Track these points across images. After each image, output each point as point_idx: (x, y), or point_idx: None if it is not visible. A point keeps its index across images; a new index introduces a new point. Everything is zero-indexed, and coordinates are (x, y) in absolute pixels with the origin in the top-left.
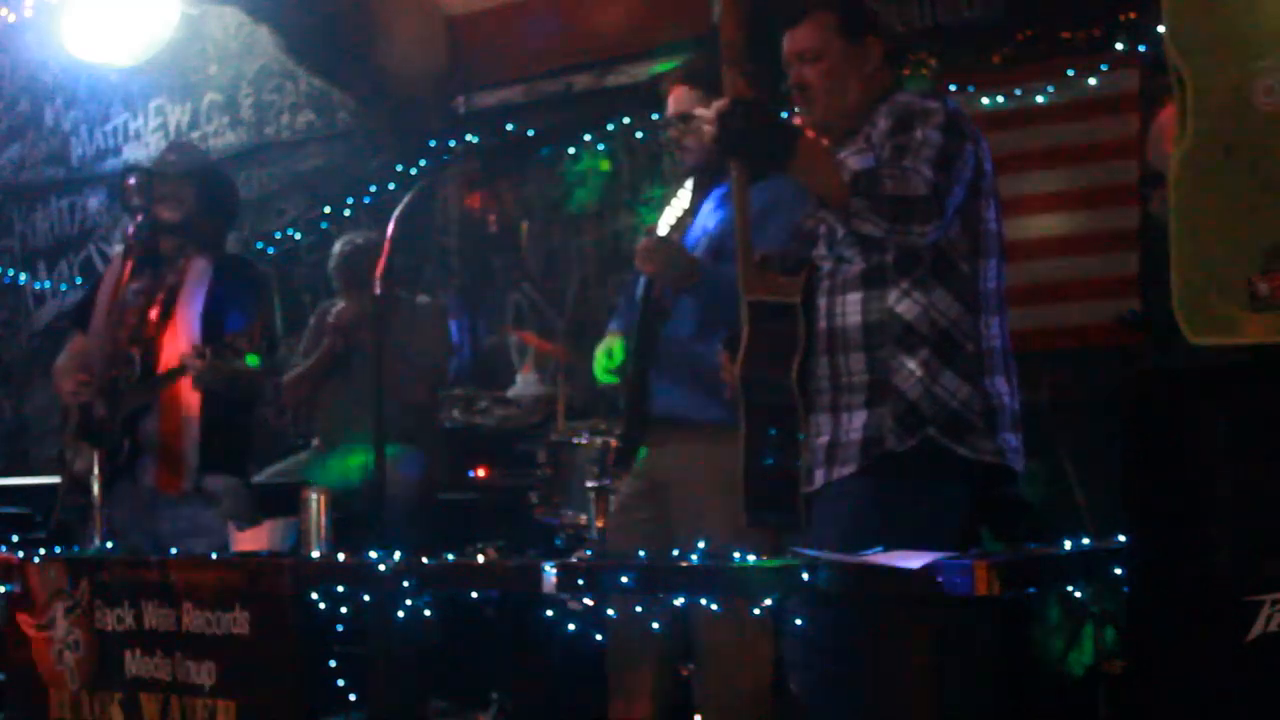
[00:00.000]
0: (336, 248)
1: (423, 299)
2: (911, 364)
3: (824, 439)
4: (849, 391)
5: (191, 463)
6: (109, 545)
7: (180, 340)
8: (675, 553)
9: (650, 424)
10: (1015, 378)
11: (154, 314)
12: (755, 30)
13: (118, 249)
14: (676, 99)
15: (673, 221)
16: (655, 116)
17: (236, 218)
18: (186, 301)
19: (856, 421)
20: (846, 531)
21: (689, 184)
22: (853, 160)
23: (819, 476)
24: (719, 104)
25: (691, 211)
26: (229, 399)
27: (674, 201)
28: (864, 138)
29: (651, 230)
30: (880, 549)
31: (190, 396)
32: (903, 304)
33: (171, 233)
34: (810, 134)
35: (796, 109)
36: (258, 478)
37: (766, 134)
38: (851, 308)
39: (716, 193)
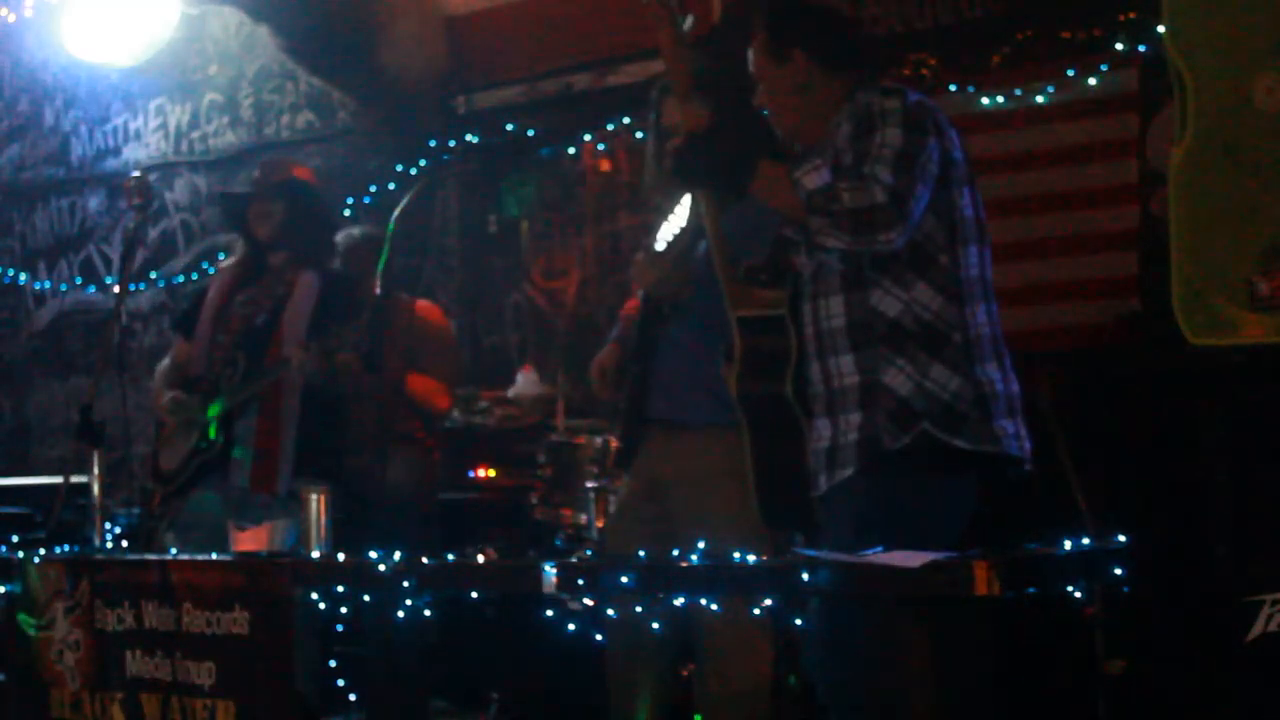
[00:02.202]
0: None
1: (431, 308)
2: (900, 360)
3: (824, 443)
4: (842, 394)
5: (286, 466)
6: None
7: (286, 346)
8: (675, 553)
9: (650, 426)
10: (1009, 363)
11: (260, 321)
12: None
13: (224, 261)
14: (671, 110)
15: (670, 234)
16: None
17: (336, 229)
18: (294, 311)
19: (852, 423)
20: (853, 534)
21: (684, 208)
22: (808, 178)
23: (822, 481)
24: (674, 141)
25: (695, 220)
26: (327, 403)
27: (672, 213)
28: (830, 145)
29: (648, 244)
30: (881, 549)
31: (290, 399)
32: (885, 302)
33: (272, 248)
34: (768, 161)
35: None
36: None
37: (721, 166)
38: (835, 310)
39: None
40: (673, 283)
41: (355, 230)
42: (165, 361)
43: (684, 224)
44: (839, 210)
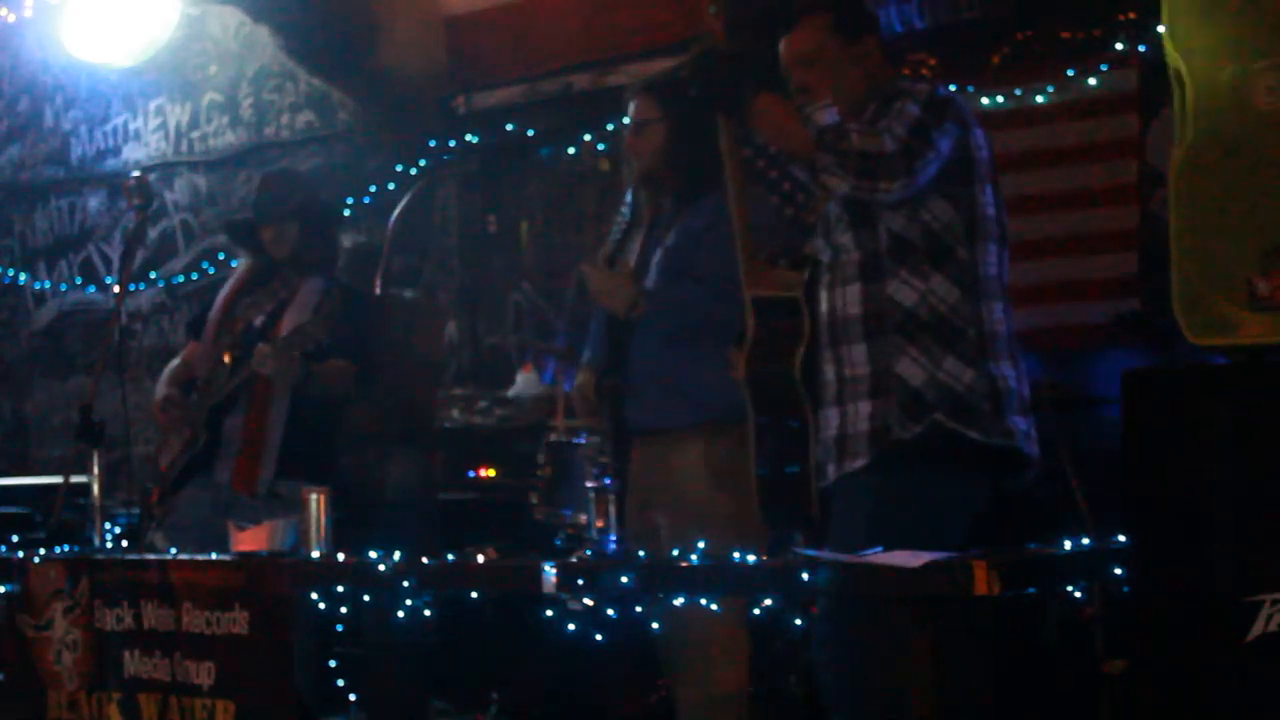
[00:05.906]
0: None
1: (410, 294)
2: (913, 351)
3: (833, 432)
4: (854, 383)
5: (268, 466)
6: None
7: None
8: (675, 553)
9: (632, 438)
10: (1023, 363)
11: (259, 323)
12: (745, 31)
13: (237, 266)
14: (635, 108)
15: (612, 246)
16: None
17: (342, 231)
18: (292, 315)
19: (863, 412)
20: (865, 525)
21: (626, 208)
22: (820, 114)
23: (831, 471)
24: (696, 45)
25: (646, 233)
26: (318, 404)
27: (615, 224)
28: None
29: (590, 260)
30: (881, 549)
31: (279, 399)
32: (901, 292)
33: (284, 265)
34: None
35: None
36: None
37: (728, 77)
38: (851, 299)
39: (666, 215)
40: (621, 295)
41: (359, 236)
42: (175, 361)
43: (630, 233)
44: (847, 149)
